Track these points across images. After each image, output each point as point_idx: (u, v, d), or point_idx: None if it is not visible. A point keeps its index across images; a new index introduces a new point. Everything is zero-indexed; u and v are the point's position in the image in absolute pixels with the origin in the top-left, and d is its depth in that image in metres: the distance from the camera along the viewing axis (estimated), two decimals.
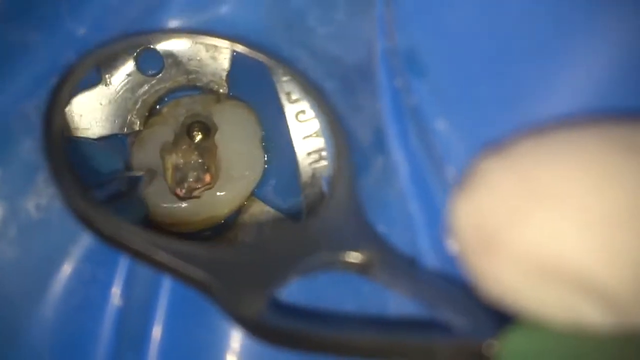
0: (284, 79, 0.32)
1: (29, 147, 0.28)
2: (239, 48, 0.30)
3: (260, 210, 0.34)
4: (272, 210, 0.34)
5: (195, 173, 0.34)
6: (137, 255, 0.25)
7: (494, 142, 0.22)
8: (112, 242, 0.25)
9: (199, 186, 0.34)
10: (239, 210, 0.35)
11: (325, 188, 0.31)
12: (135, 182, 0.32)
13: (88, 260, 0.30)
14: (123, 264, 0.31)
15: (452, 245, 0.24)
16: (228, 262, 0.25)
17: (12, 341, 0.29)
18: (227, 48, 0.34)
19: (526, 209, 0.20)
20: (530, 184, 0.20)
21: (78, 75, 0.27)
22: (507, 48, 0.23)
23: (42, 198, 0.28)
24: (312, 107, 0.32)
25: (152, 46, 0.34)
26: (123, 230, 0.25)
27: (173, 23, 0.31)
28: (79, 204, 0.25)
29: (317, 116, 0.32)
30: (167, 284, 0.30)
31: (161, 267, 0.24)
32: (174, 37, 0.32)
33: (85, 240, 0.29)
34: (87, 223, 0.25)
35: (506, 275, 0.20)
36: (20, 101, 0.28)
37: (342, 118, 0.29)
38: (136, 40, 0.30)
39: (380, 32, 0.27)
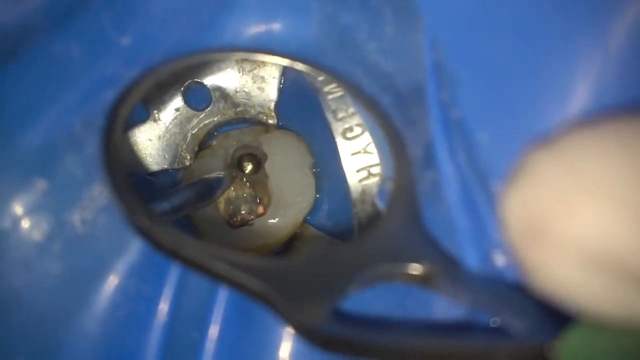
0: (330, 97, 0.32)
1: (75, 162, 0.28)
2: (299, 66, 0.30)
3: (313, 236, 0.34)
4: (325, 236, 0.34)
5: (247, 205, 0.34)
6: (198, 267, 0.24)
7: (537, 137, 0.21)
8: (172, 254, 0.25)
9: (252, 217, 0.34)
10: (292, 238, 0.34)
11: (378, 203, 0.30)
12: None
13: (134, 276, 0.29)
14: (171, 279, 0.31)
15: (500, 258, 0.24)
16: (288, 274, 0.24)
17: (55, 355, 0.28)
18: (274, 78, 0.34)
19: (575, 200, 0.20)
20: (579, 175, 0.20)
21: (138, 93, 0.27)
22: (532, 51, 0.23)
23: (87, 212, 0.28)
24: (369, 121, 0.31)
25: (199, 80, 0.34)
26: (183, 243, 0.24)
27: (225, 39, 0.31)
28: (139, 217, 0.25)
29: (373, 131, 0.32)
30: (216, 299, 0.30)
31: (221, 279, 0.24)
32: (234, 55, 0.32)
33: (131, 256, 0.29)
34: (147, 236, 0.25)
35: (556, 266, 0.20)
36: (67, 115, 0.28)
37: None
38: (194, 59, 0.30)
39: (427, 44, 0.26)
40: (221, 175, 0.33)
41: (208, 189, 0.32)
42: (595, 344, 0.20)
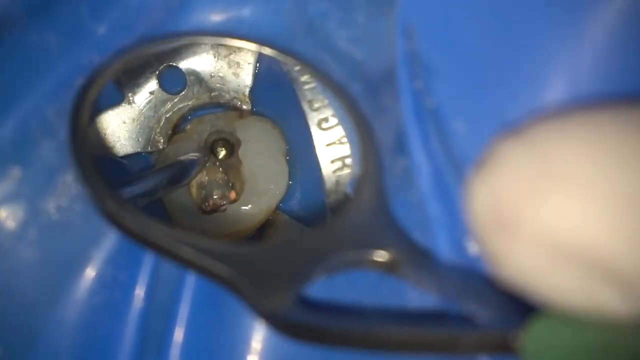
0: (306, 87, 0.32)
1: (50, 149, 0.28)
2: (267, 51, 0.30)
3: (285, 223, 0.34)
4: (297, 224, 0.34)
5: (220, 190, 0.34)
6: (163, 251, 0.24)
7: (510, 126, 0.21)
8: (137, 238, 0.25)
9: (224, 203, 0.34)
10: (265, 225, 0.34)
11: (349, 193, 0.30)
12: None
13: (109, 263, 0.30)
14: (146, 266, 0.31)
15: (473, 247, 0.24)
16: (254, 260, 0.24)
17: (32, 343, 0.28)
18: (249, 64, 0.34)
19: (543, 191, 0.20)
20: (546, 165, 0.20)
21: (106, 77, 0.27)
22: (509, 40, 0.23)
23: (62, 200, 0.28)
24: (338, 109, 0.31)
25: (174, 64, 0.34)
26: (149, 227, 0.24)
27: (194, 25, 0.31)
28: (105, 201, 0.25)
29: (342, 118, 0.32)
30: (190, 286, 0.30)
31: (187, 264, 0.24)
32: (202, 40, 0.32)
33: (106, 243, 0.29)
34: (113, 220, 0.25)
35: (523, 257, 0.20)
36: (42, 103, 0.28)
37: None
38: (162, 43, 0.30)
39: (399, 33, 0.26)
40: (195, 157, 0.33)
41: (182, 172, 0.32)
42: (559, 334, 0.20)
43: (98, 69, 0.27)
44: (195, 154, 0.34)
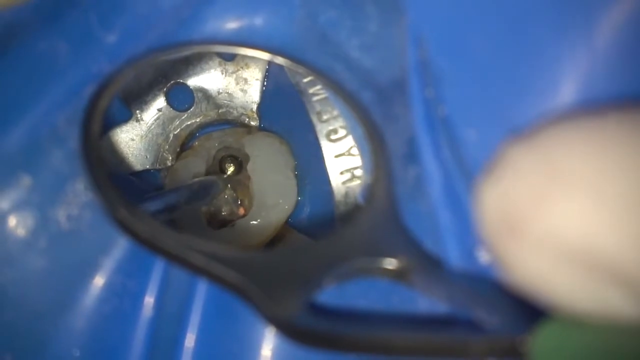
0: (315, 98, 0.32)
1: (60, 158, 0.28)
2: (279, 60, 0.30)
3: (294, 238, 0.34)
4: (306, 238, 0.34)
5: (228, 207, 0.34)
6: (173, 258, 0.24)
7: (519, 130, 0.21)
8: (148, 245, 0.24)
9: (233, 219, 0.34)
10: (274, 239, 0.34)
11: (360, 202, 0.30)
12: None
13: (119, 271, 0.29)
14: (156, 274, 0.31)
15: (483, 255, 0.24)
16: (264, 266, 0.24)
17: (41, 351, 0.28)
18: (257, 80, 0.35)
19: (552, 194, 0.19)
20: (556, 169, 0.20)
21: (116, 85, 0.27)
22: (519, 46, 0.23)
23: (72, 208, 0.28)
24: (349, 118, 0.31)
25: (181, 80, 0.34)
26: (160, 233, 0.24)
27: (206, 34, 0.31)
28: (116, 207, 0.24)
29: (353, 127, 0.32)
30: (200, 294, 0.30)
31: (197, 270, 0.24)
32: (214, 48, 0.32)
33: (116, 251, 0.29)
34: (124, 226, 0.25)
35: (532, 261, 0.20)
36: (52, 112, 0.28)
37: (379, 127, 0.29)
38: (174, 51, 0.30)
39: (410, 42, 0.26)
40: (215, 179, 0.33)
41: (203, 191, 0.33)
42: (568, 338, 0.20)
43: (109, 78, 0.27)
44: (215, 177, 0.34)
